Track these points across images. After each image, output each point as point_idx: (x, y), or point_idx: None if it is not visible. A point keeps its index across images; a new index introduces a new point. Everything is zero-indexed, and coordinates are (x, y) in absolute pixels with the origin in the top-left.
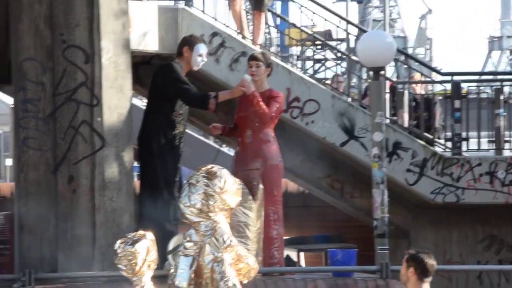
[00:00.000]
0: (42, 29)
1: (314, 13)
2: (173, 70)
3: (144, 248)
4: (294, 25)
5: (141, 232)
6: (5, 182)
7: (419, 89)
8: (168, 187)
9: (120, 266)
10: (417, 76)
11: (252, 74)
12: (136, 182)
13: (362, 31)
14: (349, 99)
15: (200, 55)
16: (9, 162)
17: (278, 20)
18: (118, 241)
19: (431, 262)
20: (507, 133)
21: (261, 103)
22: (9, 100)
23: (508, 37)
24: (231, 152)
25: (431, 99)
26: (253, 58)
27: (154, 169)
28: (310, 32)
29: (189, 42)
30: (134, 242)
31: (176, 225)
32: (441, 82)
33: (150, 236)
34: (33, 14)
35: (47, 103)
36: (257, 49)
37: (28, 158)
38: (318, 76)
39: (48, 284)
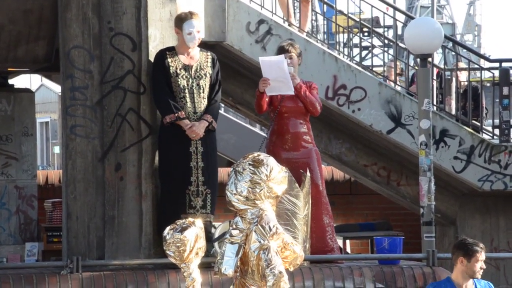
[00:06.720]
0: (89, 17)
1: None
2: (153, 63)
3: (193, 235)
4: (341, 12)
5: (190, 219)
6: (53, 169)
7: (463, 77)
8: (173, 175)
9: (168, 252)
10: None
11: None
12: None
13: (409, 17)
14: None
15: (190, 33)
16: (57, 149)
17: (325, 7)
18: (168, 228)
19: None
20: None
21: (308, 93)
22: (57, 88)
23: None
24: None
25: (477, 88)
26: (286, 51)
27: (162, 157)
28: (357, 19)
29: (176, 23)
30: (183, 229)
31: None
32: (489, 69)
33: (199, 223)
34: (81, 2)
35: (94, 91)
36: (304, 36)
37: (75, 145)
38: (365, 63)
39: (95, 271)
